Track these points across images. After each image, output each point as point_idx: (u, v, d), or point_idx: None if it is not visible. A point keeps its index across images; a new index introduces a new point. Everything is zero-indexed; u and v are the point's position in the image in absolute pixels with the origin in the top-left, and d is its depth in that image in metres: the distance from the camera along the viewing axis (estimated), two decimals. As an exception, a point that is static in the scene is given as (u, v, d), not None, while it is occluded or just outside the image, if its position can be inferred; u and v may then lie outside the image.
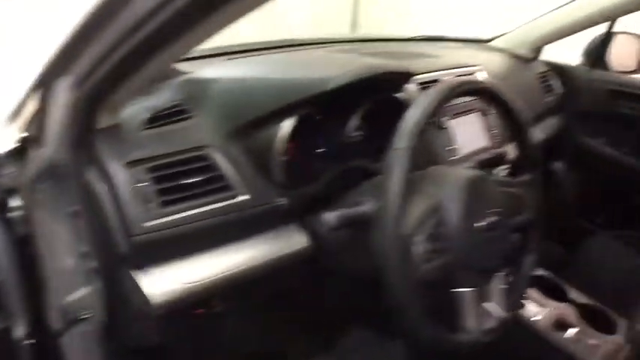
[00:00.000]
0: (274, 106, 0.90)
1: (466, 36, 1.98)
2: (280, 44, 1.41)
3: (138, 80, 0.72)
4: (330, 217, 0.83)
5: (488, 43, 1.95)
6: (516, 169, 1.07)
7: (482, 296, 0.91)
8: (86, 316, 0.90)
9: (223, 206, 0.87)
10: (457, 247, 0.83)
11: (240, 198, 0.89)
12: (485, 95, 0.97)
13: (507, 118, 1.00)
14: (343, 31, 4.90)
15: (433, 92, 0.84)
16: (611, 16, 1.75)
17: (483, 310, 0.91)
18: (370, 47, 1.61)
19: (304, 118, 0.92)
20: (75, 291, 0.87)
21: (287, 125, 0.89)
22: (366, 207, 0.85)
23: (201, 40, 0.64)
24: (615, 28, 1.84)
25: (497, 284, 0.94)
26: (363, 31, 5.08)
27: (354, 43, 1.61)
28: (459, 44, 1.88)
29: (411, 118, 0.80)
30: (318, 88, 0.91)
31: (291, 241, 0.97)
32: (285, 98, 0.90)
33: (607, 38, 1.85)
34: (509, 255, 1.04)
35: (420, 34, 1.90)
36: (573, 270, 1.74)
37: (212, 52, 1.24)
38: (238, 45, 1.34)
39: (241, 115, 0.92)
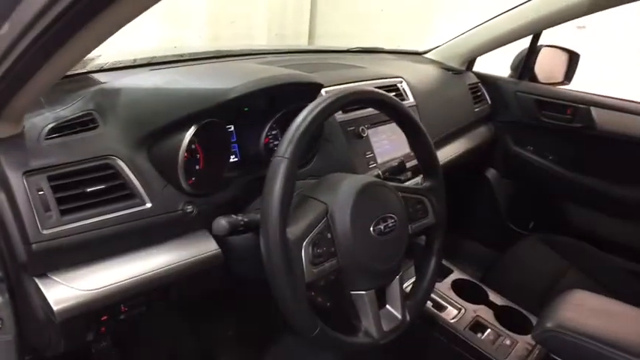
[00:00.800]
0: (177, 115, 0.93)
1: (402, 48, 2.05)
2: (210, 55, 1.44)
3: (33, 88, 0.74)
4: (222, 223, 0.85)
5: (423, 55, 2.02)
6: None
7: (381, 299, 0.95)
8: (-1, 326, 0.90)
9: (127, 214, 0.88)
10: (347, 250, 0.87)
11: (145, 206, 0.91)
12: (377, 104, 1.01)
13: (404, 126, 1.04)
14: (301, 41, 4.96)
15: (317, 102, 0.87)
16: (536, 29, 1.84)
17: (382, 312, 0.95)
18: (303, 58, 1.65)
19: (207, 127, 0.94)
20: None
21: (187, 136, 0.92)
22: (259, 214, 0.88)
23: (92, 44, 0.67)
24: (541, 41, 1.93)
25: (397, 287, 0.98)
26: (321, 42, 5.15)
27: (287, 55, 1.64)
28: (393, 56, 1.94)
29: (294, 127, 0.83)
30: (220, 98, 0.94)
31: (199, 247, 0.99)
32: (188, 108, 0.93)
33: (533, 51, 1.93)
34: (414, 259, 1.08)
35: (358, 46, 1.96)
36: (500, 272, 1.80)
37: (139, 63, 1.26)
38: (167, 56, 1.35)
39: (146, 124, 0.94)
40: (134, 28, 0.71)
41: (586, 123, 1.82)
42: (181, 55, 1.36)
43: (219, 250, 1.00)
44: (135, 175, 0.91)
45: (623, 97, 1.82)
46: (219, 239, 0.99)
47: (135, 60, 1.26)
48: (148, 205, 0.91)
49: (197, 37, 3.97)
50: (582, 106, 1.82)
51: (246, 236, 0.93)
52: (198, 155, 0.99)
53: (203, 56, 1.41)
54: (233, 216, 0.87)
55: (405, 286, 1.14)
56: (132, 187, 0.90)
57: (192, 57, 1.38)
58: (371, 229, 0.89)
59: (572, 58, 1.99)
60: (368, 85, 1.37)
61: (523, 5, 1.75)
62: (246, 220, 0.87)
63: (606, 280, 1.71)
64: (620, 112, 1.77)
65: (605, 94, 1.83)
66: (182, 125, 0.93)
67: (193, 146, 0.98)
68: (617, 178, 1.83)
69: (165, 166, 0.94)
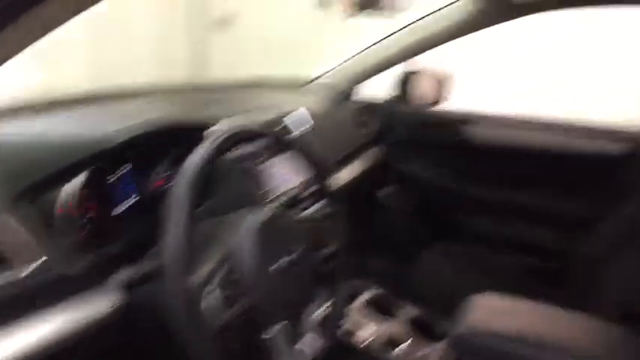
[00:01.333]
0: (58, 165, 0.87)
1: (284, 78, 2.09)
2: (91, 97, 1.36)
3: None
4: (123, 275, 0.81)
5: (306, 85, 2.08)
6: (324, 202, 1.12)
7: (296, 331, 0.94)
8: None
9: (7, 278, 0.80)
10: (255, 289, 0.85)
11: (30, 267, 0.83)
12: (266, 138, 1.02)
13: (296, 156, 1.05)
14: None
15: (207, 143, 0.86)
16: (416, 52, 1.96)
17: (298, 345, 0.94)
18: (188, 97, 1.63)
19: (94, 174, 0.89)
20: None
21: (73, 185, 0.86)
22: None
23: None
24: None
25: (311, 316, 0.97)
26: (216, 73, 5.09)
27: (172, 94, 1.61)
28: (279, 87, 1.98)
29: (186, 169, 0.81)
30: (103, 145, 0.91)
31: (100, 303, 0.91)
32: (69, 157, 0.88)
33: (410, 74, 2.06)
34: (325, 285, 1.09)
35: (242, 79, 1.97)
36: (407, 285, 1.87)
37: (12, 109, 1.16)
38: (44, 100, 1.26)
39: (24, 177, 0.87)
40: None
41: (461, 137, 1.96)
42: (61, 100, 1.28)
43: (121, 303, 0.93)
44: (10, 237, 0.83)
45: (491, 112, 1.99)
46: (120, 291, 0.93)
47: (8, 108, 1.16)
48: (34, 265, 0.83)
49: (78, 78, 3.76)
50: (457, 122, 1.97)
51: (149, 286, 0.88)
52: (88, 204, 0.93)
53: (84, 99, 1.33)
54: (132, 267, 0.82)
55: (318, 312, 1.13)
56: (3, 252, 0.82)
57: (72, 99, 1.30)
58: (276, 264, 0.89)
59: (443, 79, 2.13)
60: (256, 119, 1.37)
61: (402, 30, 1.86)
62: (146, 269, 0.83)
63: (506, 280, 1.83)
64: (491, 125, 1.94)
65: (475, 110, 2.00)
66: (66, 175, 0.87)
67: (83, 194, 0.91)
68: (497, 185, 1.98)
69: (52, 219, 0.87)
